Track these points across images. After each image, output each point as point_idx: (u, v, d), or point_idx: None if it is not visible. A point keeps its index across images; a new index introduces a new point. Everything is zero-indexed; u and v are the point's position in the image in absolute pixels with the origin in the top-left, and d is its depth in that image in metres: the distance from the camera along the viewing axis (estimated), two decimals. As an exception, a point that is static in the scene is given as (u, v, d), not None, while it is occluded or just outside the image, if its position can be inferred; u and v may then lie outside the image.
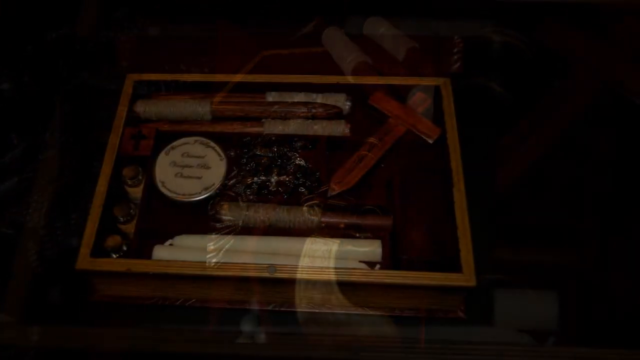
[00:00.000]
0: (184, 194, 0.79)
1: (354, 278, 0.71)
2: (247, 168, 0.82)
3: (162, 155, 0.82)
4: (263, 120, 0.86)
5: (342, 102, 0.87)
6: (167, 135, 0.84)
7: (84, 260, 0.72)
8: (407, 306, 0.75)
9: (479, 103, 0.91)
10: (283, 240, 0.76)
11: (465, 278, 0.70)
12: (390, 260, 0.75)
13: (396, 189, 0.79)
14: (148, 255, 0.75)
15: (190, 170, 0.81)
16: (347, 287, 0.73)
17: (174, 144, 0.83)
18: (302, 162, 0.83)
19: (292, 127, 0.84)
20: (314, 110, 0.85)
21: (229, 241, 0.76)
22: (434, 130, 0.83)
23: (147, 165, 0.81)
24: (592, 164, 0.90)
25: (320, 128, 0.84)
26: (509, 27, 1.00)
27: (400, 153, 0.83)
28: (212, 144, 0.83)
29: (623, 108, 0.94)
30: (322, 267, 0.72)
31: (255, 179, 0.81)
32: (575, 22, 1.02)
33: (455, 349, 0.73)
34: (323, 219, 0.77)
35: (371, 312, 0.75)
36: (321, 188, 0.80)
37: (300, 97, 0.87)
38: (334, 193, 0.79)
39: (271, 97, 0.88)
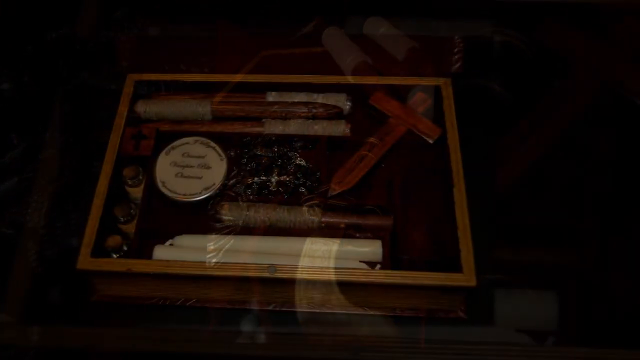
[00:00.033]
0: (184, 194, 0.79)
1: (354, 278, 0.71)
2: (248, 168, 0.82)
3: (162, 155, 0.82)
4: (263, 120, 0.86)
5: (343, 102, 0.87)
6: (167, 135, 0.84)
7: (85, 260, 0.72)
8: (407, 306, 0.75)
9: (479, 103, 0.91)
10: (283, 240, 0.76)
11: (466, 278, 0.70)
12: (390, 260, 0.74)
13: (397, 189, 0.79)
14: (148, 255, 0.75)
15: (191, 170, 0.81)
16: (347, 287, 0.73)
17: (175, 144, 0.83)
18: (303, 162, 0.83)
19: (293, 127, 0.84)
20: (314, 110, 0.85)
21: (229, 241, 0.76)
22: (435, 130, 0.83)
23: (147, 165, 0.81)
24: (592, 164, 0.90)
25: (320, 128, 0.84)
26: (509, 27, 1.00)
27: (400, 153, 0.83)
28: (213, 144, 0.83)
29: (623, 108, 0.94)
30: (322, 267, 0.72)
31: (256, 179, 0.81)
32: (575, 22, 1.02)
33: (455, 349, 0.73)
34: (323, 219, 0.77)
35: (371, 312, 0.75)
36: (321, 188, 0.80)
37: (300, 97, 0.87)
38: (334, 193, 0.79)
39: (271, 97, 0.88)
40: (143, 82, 0.89)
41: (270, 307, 0.76)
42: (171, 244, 0.77)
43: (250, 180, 0.81)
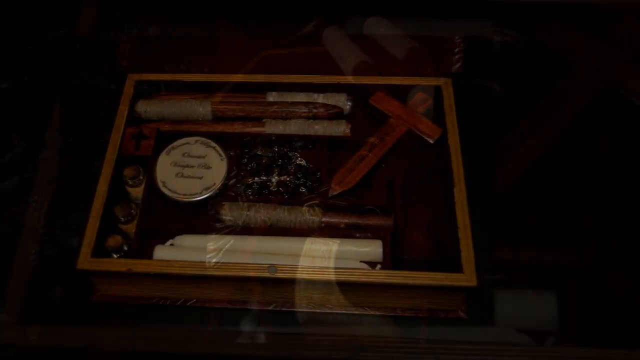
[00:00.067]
0: (184, 194, 0.79)
1: (354, 278, 0.71)
2: (248, 168, 0.82)
3: (162, 155, 0.82)
4: (264, 120, 0.86)
5: (343, 102, 0.87)
6: (167, 135, 0.84)
7: (85, 260, 0.72)
8: (408, 306, 0.75)
9: (479, 103, 0.91)
10: (284, 241, 0.76)
11: (466, 278, 0.70)
12: (391, 260, 0.74)
13: (397, 189, 0.79)
14: (149, 255, 0.75)
15: (191, 170, 0.81)
16: (347, 287, 0.73)
17: (175, 144, 0.83)
18: (303, 162, 0.83)
19: (293, 127, 0.84)
20: (314, 110, 0.85)
21: (229, 241, 0.76)
22: (435, 130, 0.83)
23: (148, 165, 0.81)
24: (592, 164, 0.90)
25: (321, 128, 0.84)
26: (509, 27, 1.00)
27: (401, 153, 0.83)
28: (213, 144, 0.83)
29: (623, 108, 0.94)
30: (322, 267, 0.72)
31: (256, 179, 0.81)
32: (575, 22, 1.02)
33: (456, 349, 0.73)
34: (324, 219, 0.77)
35: (372, 312, 0.75)
36: (322, 188, 0.80)
37: (301, 97, 0.87)
38: (334, 193, 0.79)
39: (272, 97, 0.88)
40: (143, 82, 0.89)
41: (271, 307, 0.76)
42: (171, 244, 0.77)
43: (250, 180, 0.81)
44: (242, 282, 0.73)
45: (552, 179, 0.88)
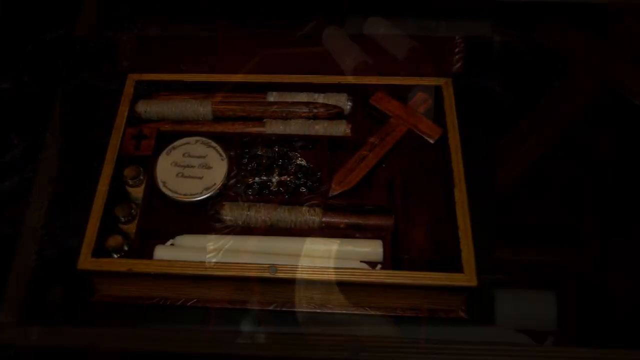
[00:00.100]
0: (185, 194, 0.79)
1: (355, 278, 0.71)
2: (249, 168, 0.82)
3: (163, 155, 0.82)
4: (264, 120, 0.86)
5: (344, 102, 0.87)
6: (168, 135, 0.84)
7: (86, 260, 0.72)
8: (408, 306, 0.75)
9: (479, 103, 0.91)
10: (284, 240, 0.76)
11: (467, 278, 0.70)
12: (391, 260, 0.74)
13: (397, 189, 0.79)
14: (149, 255, 0.75)
15: (192, 170, 0.81)
16: (348, 287, 0.73)
17: (175, 144, 0.83)
18: (304, 162, 0.83)
19: (294, 127, 0.84)
20: (315, 110, 0.85)
21: (230, 241, 0.76)
22: (436, 130, 0.83)
23: (148, 165, 0.81)
24: (592, 164, 0.90)
25: (321, 128, 0.84)
26: (509, 27, 1.00)
27: (401, 153, 0.83)
28: (214, 144, 0.83)
29: (623, 108, 0.94)
30: (323, 267, 0.72)
31: (257, 178, 0.81)
32: (575, 22, 1.02)
33: (456, 349, 0.73)
34: (324, 219, 0.77)
35: (372, 312, 0.75)
36: (322, 188, 0.80)
37: (301, 97, 0.87)
38: (335, 193, 0.79)
39: (272, 97, 0.88)
40: (143, 82, 0.89)
41: (271, 307, 0.76)
42: (172, 244, 0.77)
43: (251, 180, 0.81)
44: (243, 282, 0.73)
45: (552, 179, 0.88)
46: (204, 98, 0.87)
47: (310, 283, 0.72)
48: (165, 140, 0.83)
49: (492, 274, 0.77)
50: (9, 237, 0.82)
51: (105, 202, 0.77)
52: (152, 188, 0.80)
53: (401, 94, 0.87)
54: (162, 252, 0.75)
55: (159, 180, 0.80)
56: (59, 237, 0.81)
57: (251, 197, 0.80)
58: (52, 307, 0.78)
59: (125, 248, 0.76)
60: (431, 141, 0.83)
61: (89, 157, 0.85)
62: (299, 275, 0.71)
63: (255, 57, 0.91)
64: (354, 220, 0.77)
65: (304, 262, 0.73)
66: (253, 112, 0.86)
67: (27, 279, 0.79)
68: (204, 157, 0.82)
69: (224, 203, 0.78)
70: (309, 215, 0.77)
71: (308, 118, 0.85)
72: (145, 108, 0.86)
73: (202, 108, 0.86)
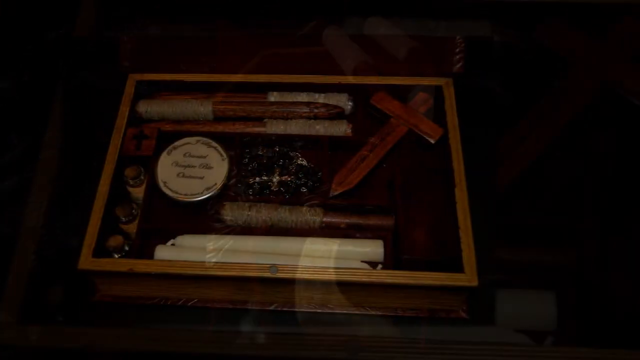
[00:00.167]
0: (185, 194, 0.79)
1: (355, 278, 0.71)
2: (249, 168, 0.82)
3: (164, 155, 0.82)
4: (265, 120, 0.86)
5: (344, 102, 0.87)
6: (169, 135, 0.84)
7: (86, 260, 0.72)
8: (409, 306, 0.75)
9: (479, 103, 0.91)
10: (285, 240, 0.76)
11: (468, 278, 0.70)
12: (392, 260, 0.75)
13: (398, 189, 0.79)
14: (150, 255, 0.75)
15: (192, 170, 0.81)
16: (348, 287, 0.73)
17: (176, 143, 0.83)
18: (304, 162, 0.83)
19: (294, 127, 0.84)
20: (315, 110, 0.85)
21: (230, 241, 0.76)
22: (436, 130, 0.83)
23: (149, 165, 0.81)
24: (592, 164, 0.90)
25: (322, 128, 0.84)
26: (509, 27, 1.00)
27: (402, 153, 0.83)
28: (214, 143, 0.83)
29: (623, 108, 0.94)
30: (323, 267, 0.72)
31: (257, 178, 0.81)
32: (575, 22, 1.02)
33: (457, 349, 0.73)
34: (325, 219, 0.77)
35: (373, 312, 0.75)
36: (323, 188, 0.80)
37: (302, 97, 0.87)
38: (335, 193, 0.79)
39: (273, 97, 0.88)
40: (144, 82, 0.89)
41: (272, 307, 0.76)
42: (173, 244, 0.77)
43: (251, 180, 0.81)
44: (243, 282, 0.73)
45: (552, 179, 0.88)
46: (205, 98, 0.87)
47: (311, 283, 0.72)
48: (166, 140, 0.83)
49: (493, 274, 0.77)
50: (9, 237, 0.82)
51: (106, 202, 0.77)
52: (153, 188, 0.80)
53: (402, 94, 0.87)
54: (162, 252, 0.75)
55: (159, 180, 0.80)
56: (59, 237, 0.81)
57: (252, 197, 0.80)
58: (52, 307, 0.78)
59: (126, 248, 0.76)
60: (432, 141, 0.83)
61: (89, 157, 0.85)
62: (299, 275, 0.71)
63: (256, 57, 0.91)
64: (354, 220, 0.77)
65: (304, 262, 0.73)
66: (254, 112, 0.86)
67: (27, 279, 0.79)
68: (204, 157, 0.82)
69: (224, 203, 0.78)
70: (310, 215, 0.77)
71: (309, 118, 0.85)
72: (146, 108, 0.86)
73: (202, 108, 0.86)
